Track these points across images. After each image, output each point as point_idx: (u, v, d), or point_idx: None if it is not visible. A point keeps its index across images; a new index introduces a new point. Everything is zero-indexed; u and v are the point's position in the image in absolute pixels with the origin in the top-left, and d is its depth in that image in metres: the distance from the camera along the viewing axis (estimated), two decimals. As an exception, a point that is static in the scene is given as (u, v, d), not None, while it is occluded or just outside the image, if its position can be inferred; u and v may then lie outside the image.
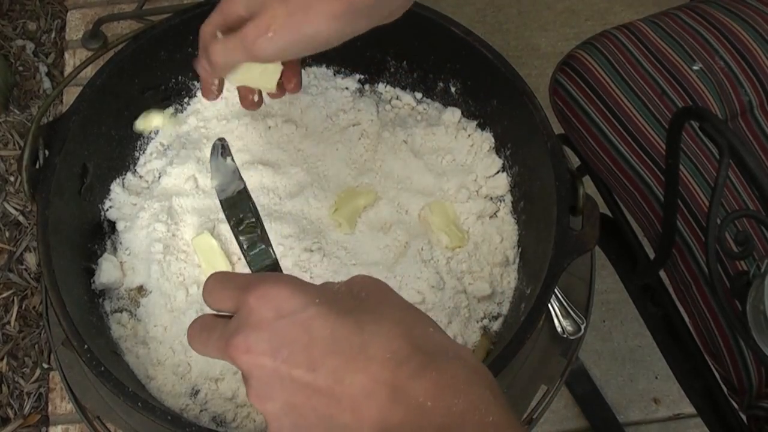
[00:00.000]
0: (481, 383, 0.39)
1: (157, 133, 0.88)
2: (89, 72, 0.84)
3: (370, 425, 0.39)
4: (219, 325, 0.44)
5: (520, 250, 0.82)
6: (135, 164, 0.87)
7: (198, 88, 0.90)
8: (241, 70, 0.62)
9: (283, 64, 0.66)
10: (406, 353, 0.39)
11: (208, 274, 0.77)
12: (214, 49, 0.60)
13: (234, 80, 0.65)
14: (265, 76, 0.65)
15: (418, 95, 0.91)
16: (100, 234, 0.83)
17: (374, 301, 0.42)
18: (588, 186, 0.75)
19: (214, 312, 0.47)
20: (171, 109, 0.88)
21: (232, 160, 0.60)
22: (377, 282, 0.44)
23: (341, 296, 0.42)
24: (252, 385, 0.42)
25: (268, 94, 0.71)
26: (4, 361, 1.19)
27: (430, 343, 0.40)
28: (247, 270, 0.55)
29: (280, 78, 0.66)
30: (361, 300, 0.42)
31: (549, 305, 0.80)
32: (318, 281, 0.45)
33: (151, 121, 0.85)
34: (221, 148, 0.61)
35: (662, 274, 0.87)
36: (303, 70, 0.88)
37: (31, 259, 1.27)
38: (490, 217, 0.84)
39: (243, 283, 0.43)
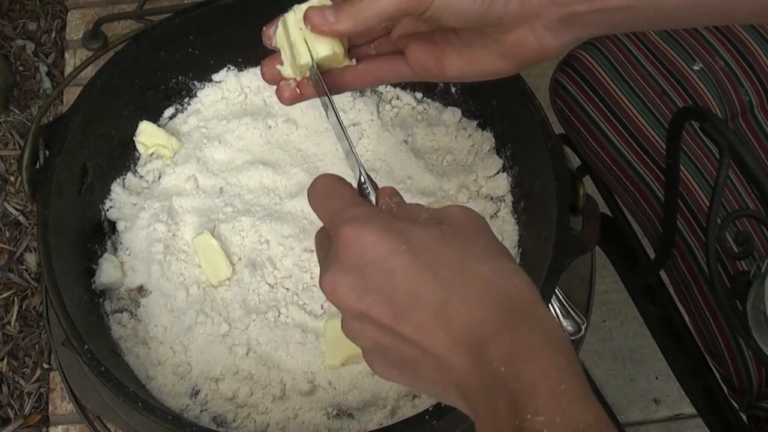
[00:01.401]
0: (556, 348, 0.38)
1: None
2: (89, 72, 0.84)
3: (454, 384, 0.40)
4: (324, 245, 0.45)
5: (520, 250, 0.82)
6: (135, 164, 0.87)
7: (198, 89, 0.90)
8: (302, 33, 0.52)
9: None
10: (484, 314, 0.39)
11: (210, 274, 0.78)
12: None
13: (281, 38, 0.54)
14: (323, 44, 0.52)
15: (419, 95, 0.91)
16: (100, 234, 0.83)
17: (461, 243, 0.42)
18: (588, 186, 0.75)
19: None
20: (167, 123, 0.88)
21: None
22: (468, 217, 0.44)
23: (427, 240, 0.41)
24: (343, 321, 0.43)
25: (295, 84, 0.56)
26: (5, 361, 1.18)
27: (508, 299, 0.40)
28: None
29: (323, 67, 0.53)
30: (447, 242, 0.41)
31: (549, 305, 0.79)
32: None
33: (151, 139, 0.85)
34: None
35: (662, 274, 0.87)
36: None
37: (31, 259, 1.27)
38: (491, 217, 0.84)
39: (335, 215, 0.43)
